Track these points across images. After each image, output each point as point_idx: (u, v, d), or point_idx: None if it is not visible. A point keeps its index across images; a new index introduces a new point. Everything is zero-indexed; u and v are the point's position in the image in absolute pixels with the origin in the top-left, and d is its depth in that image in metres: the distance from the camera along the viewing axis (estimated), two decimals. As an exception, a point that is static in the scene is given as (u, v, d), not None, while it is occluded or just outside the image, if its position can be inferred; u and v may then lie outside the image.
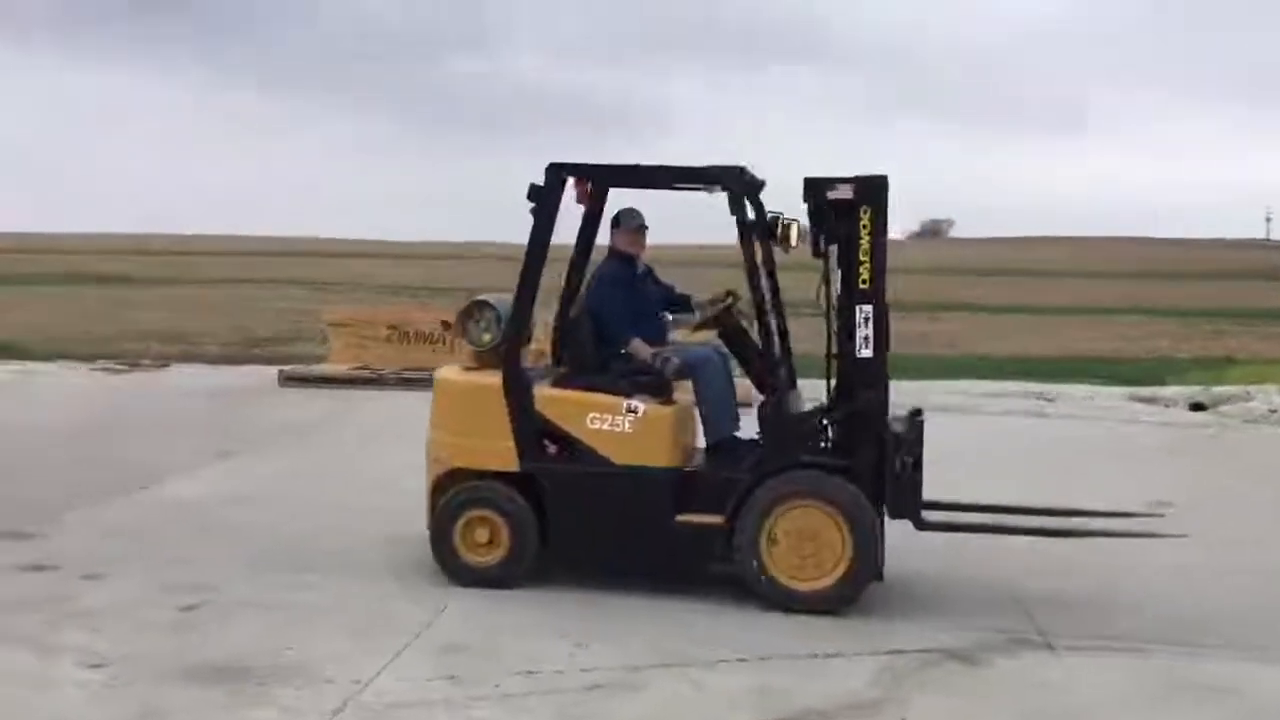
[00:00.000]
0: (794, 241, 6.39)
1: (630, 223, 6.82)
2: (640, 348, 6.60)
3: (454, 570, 6.44)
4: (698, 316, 6.85)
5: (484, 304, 6.68)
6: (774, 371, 6.46)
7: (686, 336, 7.13)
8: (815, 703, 4.96)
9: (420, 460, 6.69)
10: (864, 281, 6.15)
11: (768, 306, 6.43)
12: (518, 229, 6.59)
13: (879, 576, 6.23)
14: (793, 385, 6.59)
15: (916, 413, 6.39)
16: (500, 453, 6.38)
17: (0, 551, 6.85)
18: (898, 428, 6.21)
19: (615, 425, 6.32)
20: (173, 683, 4.96)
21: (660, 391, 6.47)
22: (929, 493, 6.35)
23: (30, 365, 16.96)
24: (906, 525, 6.27)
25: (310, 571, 6.57)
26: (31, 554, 6.81)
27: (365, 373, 15.21)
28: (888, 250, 6.22)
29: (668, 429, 6.37)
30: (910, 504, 6.21)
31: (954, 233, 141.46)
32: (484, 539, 6.40)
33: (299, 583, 6.39)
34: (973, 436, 11.50)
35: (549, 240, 6.44)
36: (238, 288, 38.90)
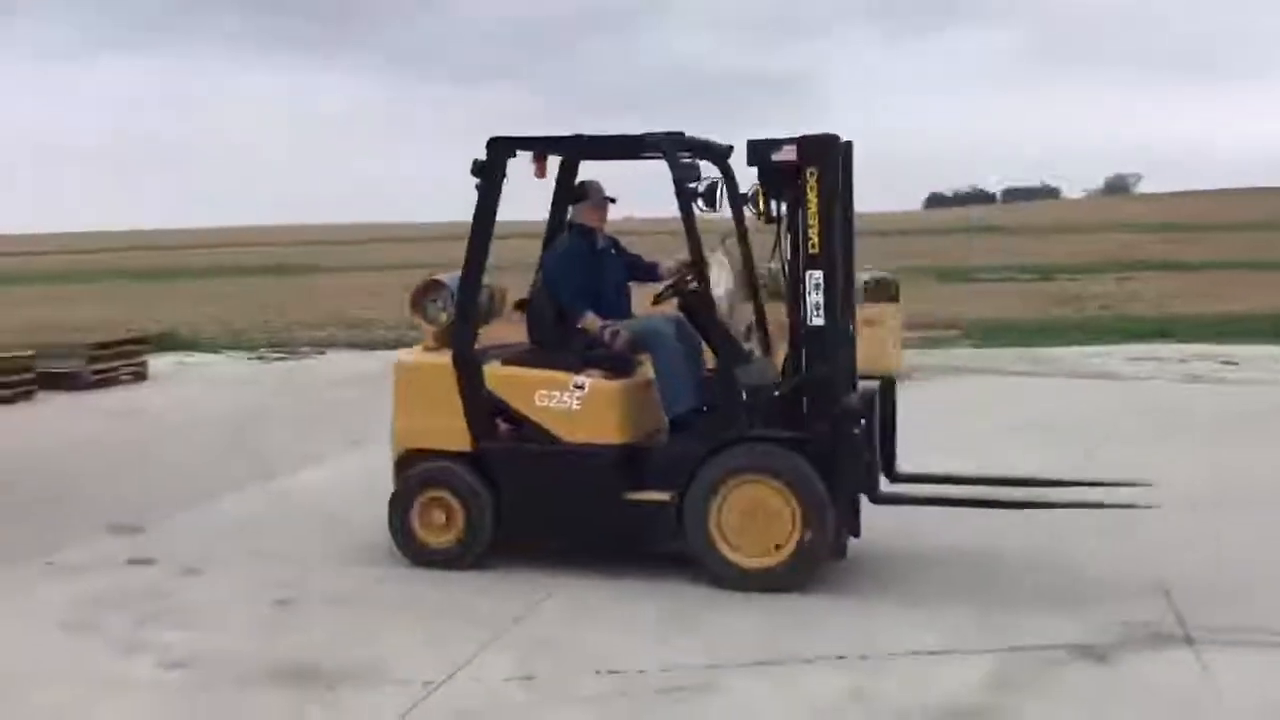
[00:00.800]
0: (719, 206, 6.25)
1: (593, 197, 6.68)
2: (592, 321, 6.41)
3: (410, 551, 6.41)
4: (663, 284, 6.62)
5: (438, 283, 6.61)
6: (731, 342, 6.19)
7: (648, 308, 6.83)
8: (912, 710, 4.53)
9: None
10: (813, 246, 5.90)
11: (730, 275, 6.32)
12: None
13: (840, 554, 6.09)
14: (765, 354, 6.44)
15: (889, 383, 6.28)
16: (454, 433, 6.31)
17: (110, 545, 6.92)
18: (853, 400, 6.02)
19: (563, 402, 6.20)
20: (246, 685, 4.84)
21: (613, 366, 6.28)
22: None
23: (196, 356, 17.50)
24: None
25: (405, 565, 6.41)
26: (140, 548, 6.84)
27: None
28: (848, 214, 6.12)
29: (614, 404, 6.19)
30: (865, 478, 6.00)
31: (1142, 188, 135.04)
32: (440, 520, 6.35)
33: (391, 576, 6.26)
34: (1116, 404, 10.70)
35: (494, 216, 6.39)
36: (414, 272, 39.32)
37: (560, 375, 6.22)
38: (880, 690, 4.71)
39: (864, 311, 10.61)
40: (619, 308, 6.59)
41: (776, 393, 6.03)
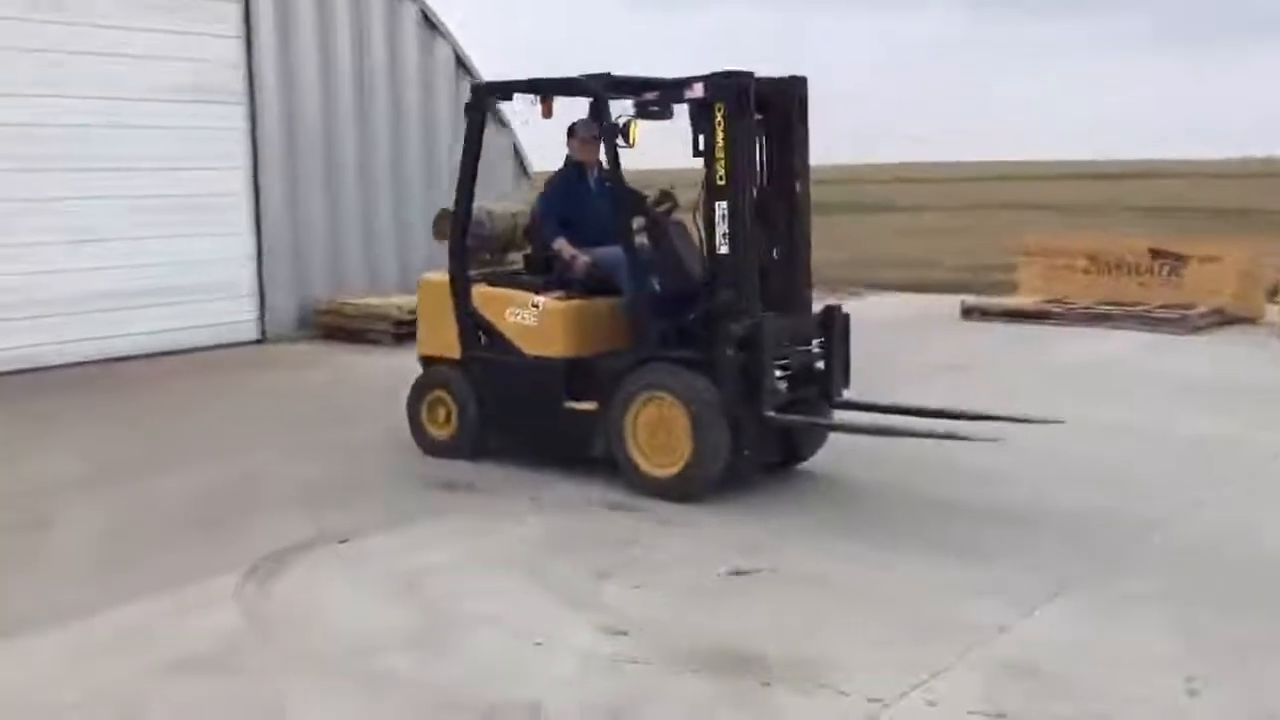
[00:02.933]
0: (633, 140, 6.62)
1: (581, 132, 7.23)
2: (563, 247, 7.09)
3: (422, 443, 7.52)
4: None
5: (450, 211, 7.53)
6: (673, 267, 6.76)
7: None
8: None
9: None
10: (720, 179, 6.30)
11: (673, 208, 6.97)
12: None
13: (740, 472, 6.42)
14: (705, 284, 6.55)
15: (832, 312, 6.74)
16: (450, 343, 7.36)
17: (599, 488, 6.74)
18: (741, 329, 6.25)
19: (524, 319, 7.00)
20: (674, 666, 4.40)
21: (583, 289, 6.96)
22: None
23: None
24: None
25: (889, 550, 5.69)
26: (625, 489, 6.62)
27: (1053, 306, 13.81)
28: (800, 151, 6.63)
29: (561, 322, 6.89)
30: (764, 400, 6.27)
31: None
32: (442, 417, 7.45)
33: (865, 558, 5.56)
34: None
35: (478, 152, 7.28)
36: (994, 214, 37.36)
37: (524, 295, 7.02)
38: None
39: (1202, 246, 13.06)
40: (601, 239, 6.93)
41: (692, 317, 6.47)
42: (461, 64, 14.18)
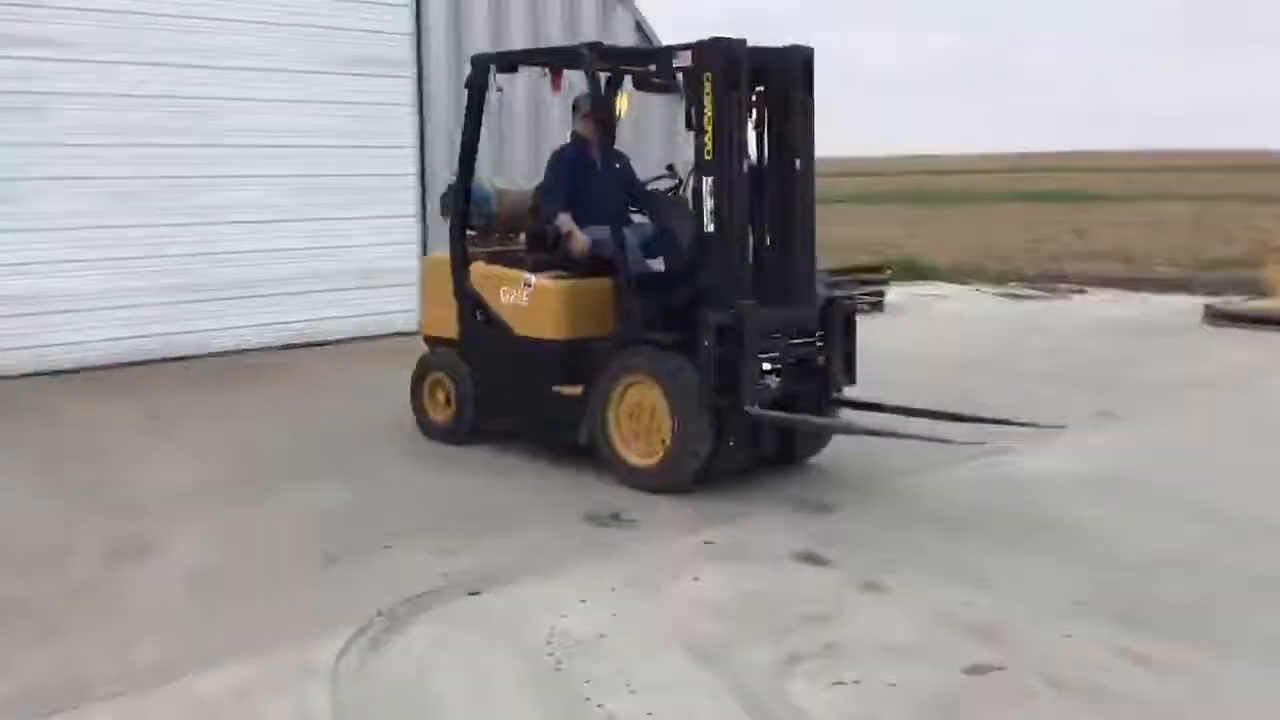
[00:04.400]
0: (621, 111, 6.74)
1: (582, 108, 6.99)
2: (564, 223, 6.76)
3: (424, 426, 7.39)
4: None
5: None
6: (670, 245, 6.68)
7: None
8: None
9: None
10: (707, 153, 5.95)
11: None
12: None
13: (729, 465, 6.10)
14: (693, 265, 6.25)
15: (837, 305, 6.31)
16: (448, 323, 7.19)
17: (789, 530, 5.59)
18: (721, 318, 5.87)
19: (517, 299, 6.74)
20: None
21: (581, 269, 6.63)
22: None
23: (937, 287, 16.24)
24: None
25: (1163, 634, 4.34)
26: (819, 535, 5.45)
27: (1312, 313, 11.97)
28: (804, 121, 6.25)
29: (552, 303, 6.59)
30: (748, 393, 5.87)
31: None
32: (442, 399, 7.28)
33: (1163, 660, 4.21)
34: None
35: (479, 125, 7.09)
36: (1212, 205, 34.61)
37: (518, 274, 6.75)
38: None
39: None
40: (602, 218, 6.53)
41: (677, 299, 6.16)
42: (643, 33, 13.09)
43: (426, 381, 7.38)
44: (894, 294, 14.42)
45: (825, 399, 6.36)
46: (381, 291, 11.48)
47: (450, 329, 7.20)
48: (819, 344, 6.33)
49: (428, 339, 7.54)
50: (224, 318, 10.66)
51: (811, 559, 5.19)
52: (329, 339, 11.18)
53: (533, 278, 6.70)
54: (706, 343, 5.88)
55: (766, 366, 6.13)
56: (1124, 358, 10.41)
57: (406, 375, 7.61)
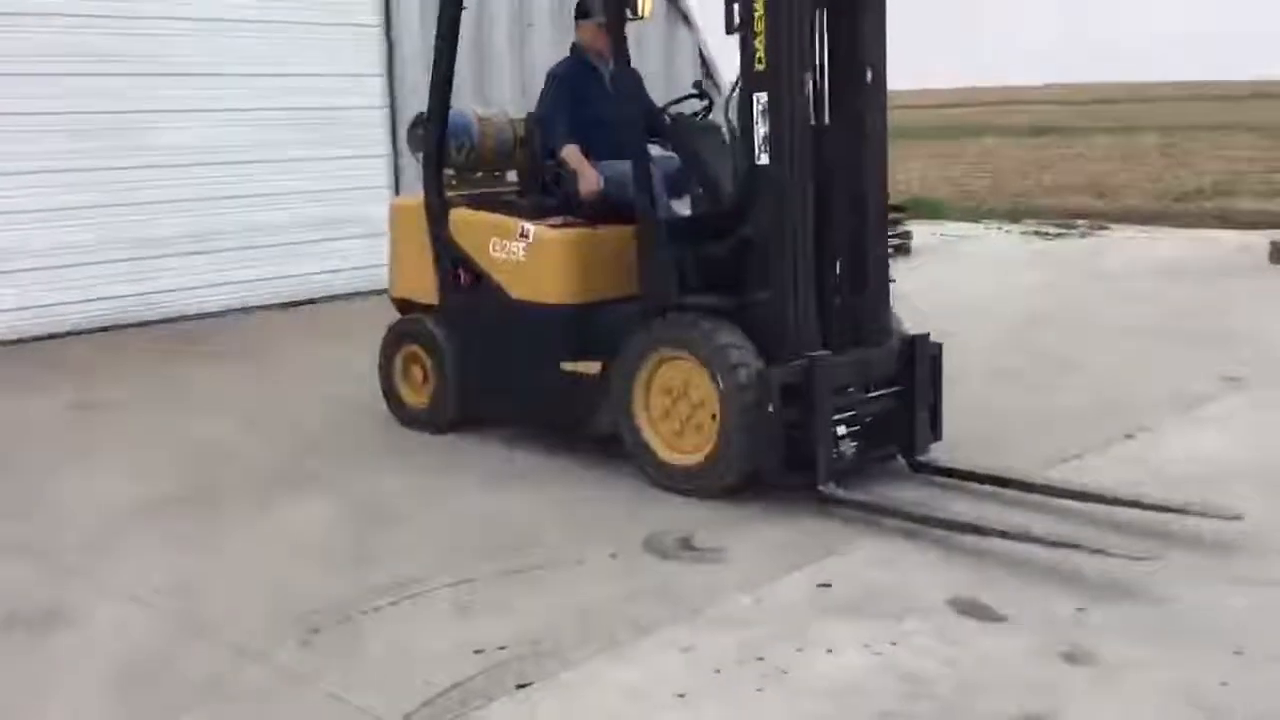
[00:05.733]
0: (644, 10, 5.12)
1: (594, 13, 5.65)
2: (572, 155, 5.50)
3: (398, 413, 6.11)
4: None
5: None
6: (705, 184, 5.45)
7: None
8: None
9: None
10: (759, 61, 4.63)
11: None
12: None
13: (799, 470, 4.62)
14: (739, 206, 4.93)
15: (913, 342, 4.93)
16: (426, 285, 5.92)
17: (924, 563, 4.19)
18: (789, 375, 4.58)
19: (512, 252, 5.47)
20: None
21: (590, 214, 5.40)
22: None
23: (953, 226, 14.90)
24: None
25: None
26: (969, 569, 4.05)
27: None
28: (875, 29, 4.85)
29: (558, 257, 5.33)
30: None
31: None
32: (419, 377, 6.01)
33: None
34: None
35: (454, 44, 5.78)
36: (1169, 135, 33.65)
37: (511, 222, 5.52)
38: None
39: None
40: (614, 150, 5.31)
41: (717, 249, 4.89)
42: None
43: (399, 355, 6.08)
44: (919, 236, 13.05)
45: (909, 463, 5.02)
46: (351, 244, 9.93)
47: (426, 291, 5.92)
48: (898, 392, 4.96)
49: (398, 302, 6.22)
50: (165, 277, 9.12)
51: (976, 611, 3.79)
52: (292, 300, 9.68)
53: (530, 226, 5.41)
54: (771, 408, 4.56)
55: (841, 430, 4.79)
56: (1209, 305, 9.09)
57: (374, 343, 6.23)
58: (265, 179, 9.55)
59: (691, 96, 5.75)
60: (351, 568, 4.24)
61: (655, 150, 5.67)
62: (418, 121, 6.10)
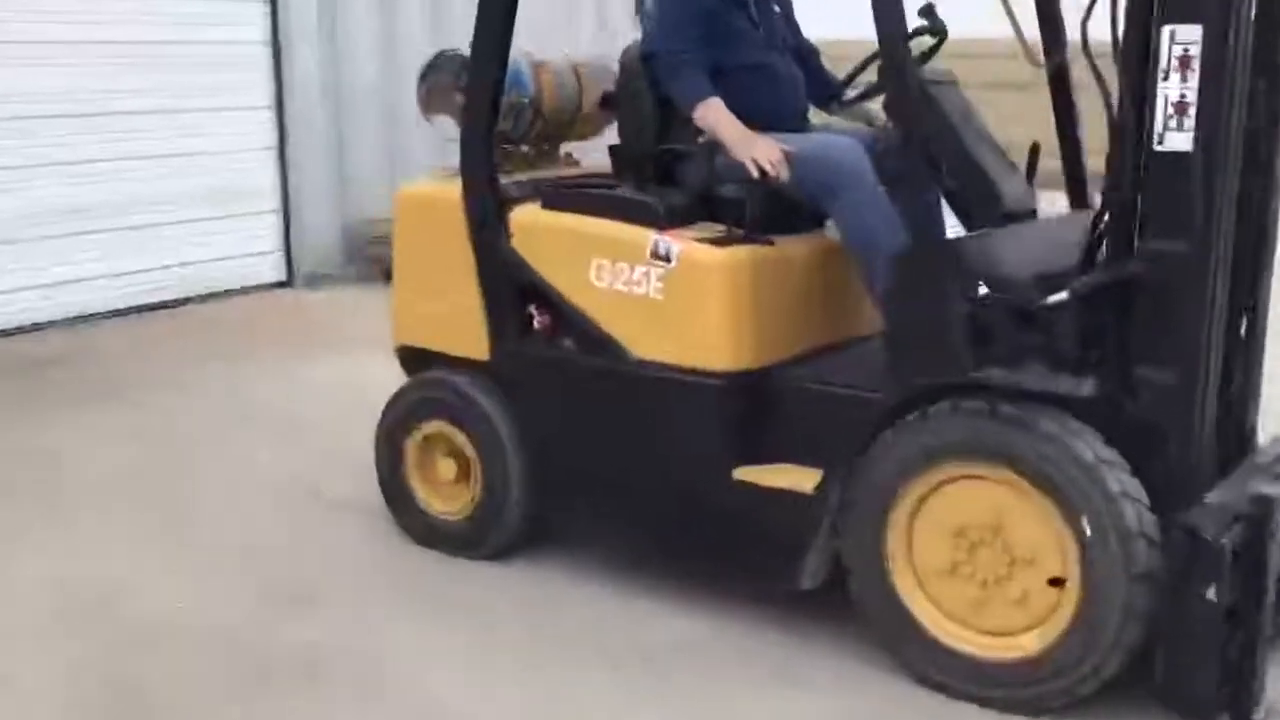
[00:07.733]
0: None
1: None
2: (717, 115, 3.37)
3: (409, 521, 3.94)
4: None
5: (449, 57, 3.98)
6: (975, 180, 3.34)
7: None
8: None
9: None
10: None
11: None
12: None
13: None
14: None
15: None
16: (460, 325, 3.74)
17: None
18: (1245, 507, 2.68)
19: (635, 283, 3.33)
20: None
21: (748, 221, 3.31)
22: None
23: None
24: None
25: None
26: None
27: None
28: None
29: (728, 294, 3.25)
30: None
31: None
32: (449, 473, 3.84)
33: None
34: None
35: None
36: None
37: (633, 231, 3.35)
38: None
39: None
40: (781, 113, 3.51)
41: (1061, 296, 2.82)
42: None
43: (413, 438, 3.94)
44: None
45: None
46: (239, 222, 7.51)
47: (464, 337, 3.77)
48: None
49: (407, 353, 4.05)
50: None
51: None
52: (167, 301, 7.24)
53: (672, 242, 3.30)
54: (1210, 593, 2.63)
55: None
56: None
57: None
58: (103, 141, 6.98)
59: (922, 32, 3.50)
60: None
61: (820, 121, 3.84)
62: (438, 65, 3.99)
